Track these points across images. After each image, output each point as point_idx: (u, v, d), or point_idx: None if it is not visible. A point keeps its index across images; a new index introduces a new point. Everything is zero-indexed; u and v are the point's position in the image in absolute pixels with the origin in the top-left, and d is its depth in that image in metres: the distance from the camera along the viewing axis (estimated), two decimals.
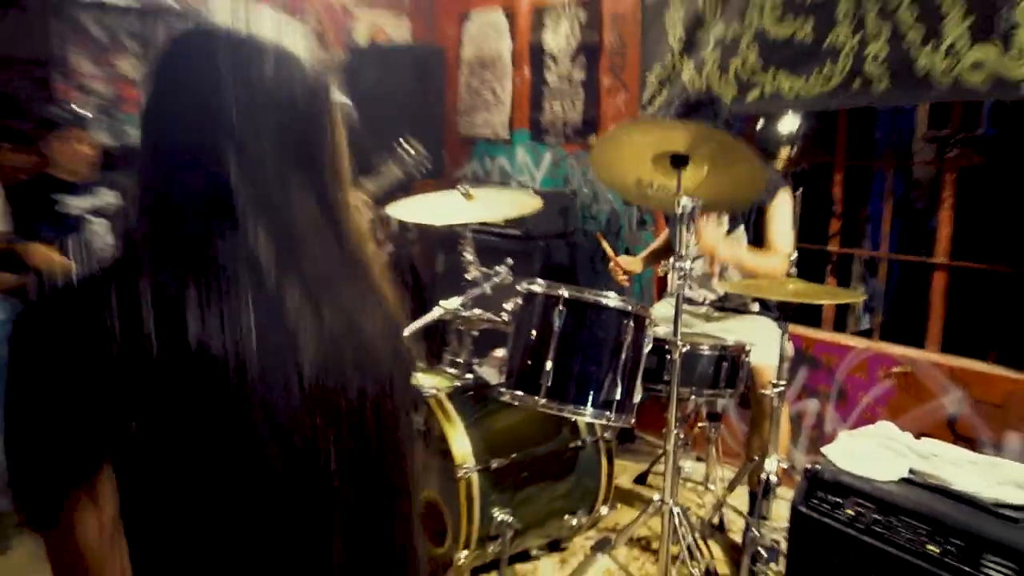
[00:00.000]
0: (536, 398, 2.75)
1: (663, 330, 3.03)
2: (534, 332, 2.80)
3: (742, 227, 3.47)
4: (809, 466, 2.30)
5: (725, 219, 3.49)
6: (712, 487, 3.80)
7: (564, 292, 2.75)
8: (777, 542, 2.93)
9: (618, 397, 2.76)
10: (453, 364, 3.29)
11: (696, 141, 2.68)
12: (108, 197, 4.08)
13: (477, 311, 3.25)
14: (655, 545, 3.39)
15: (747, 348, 3.08)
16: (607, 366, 2.75)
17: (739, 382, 3.07)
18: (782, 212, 3.30)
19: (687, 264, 2.72)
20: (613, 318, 2.75)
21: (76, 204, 3.99)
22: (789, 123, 4.63)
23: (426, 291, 5.23)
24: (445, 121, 5.48)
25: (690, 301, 3.53)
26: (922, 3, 3.19)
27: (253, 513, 0.97)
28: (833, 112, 3.92)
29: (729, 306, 3.55)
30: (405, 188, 3.66)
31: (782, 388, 2.87)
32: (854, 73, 3.44)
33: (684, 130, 2.76)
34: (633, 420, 2.87)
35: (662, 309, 3.54)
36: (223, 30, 1.01)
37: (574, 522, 3.21)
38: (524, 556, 3.31)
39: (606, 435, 3.26)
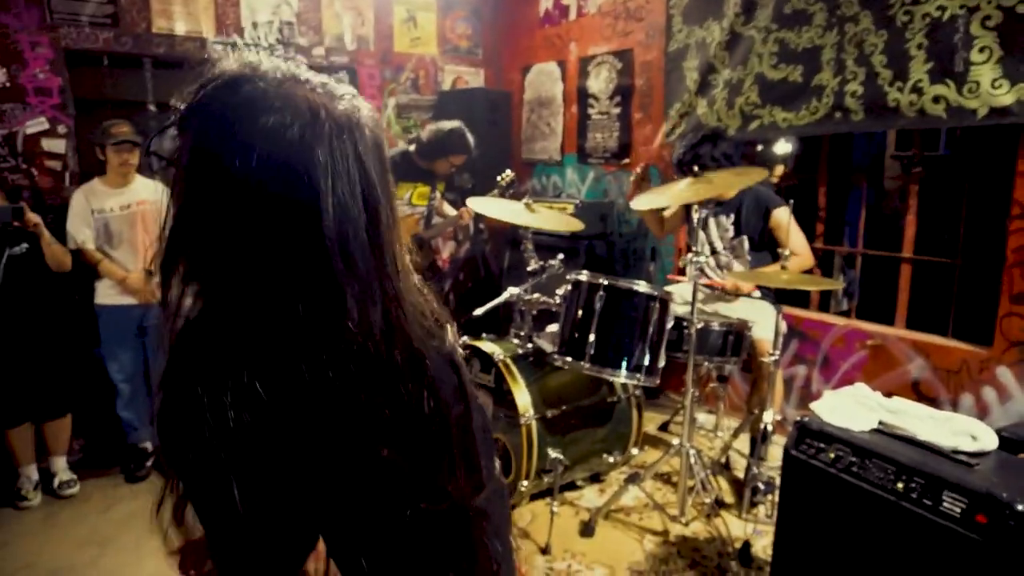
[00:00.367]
0: (582, 363, 2.74)
1: (682, 309, 2.98)
2: (580, 311, 2.79)
3: (744, 236, 3.40)
4: (799, 418, 2.24)
5: (731, 227, 3.42)
6: (720, 434, 3.74)
7: (603, 280, 2.73)
8: (772, 478, 2.88)
9: (646, 362, 2.74)
10: (517, 336, 3.29)
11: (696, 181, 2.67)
12: None
13: (536, 295, 3.24)
14: (675, 479, 3.35)
15: (749, 324, 3.02)
16: (637, 338, 2.73)
17: (743, 351, 3.01)
18: (786, 225, 3.23)
19: (702, 259, 2.68)
20: (643, 301, 2.72)
21: None
22: (782, 147, 4.53)
23: (495, 280, 5.24)
24: (512, 148, 5.47)
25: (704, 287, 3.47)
26: (891, 51, 3.07)
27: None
28: (818, 137, 3.80)
29: (742, 293, 3.48)
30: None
31: (777, 357, 2.81)
32: (836, 107, 3.32)
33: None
34: (658, 381, 2.84)
35: (681, 290, 3.48)
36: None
37: (611, 460, 3.19)
38: (571, 486, 3.30)
39: (636, 392, 3.23)
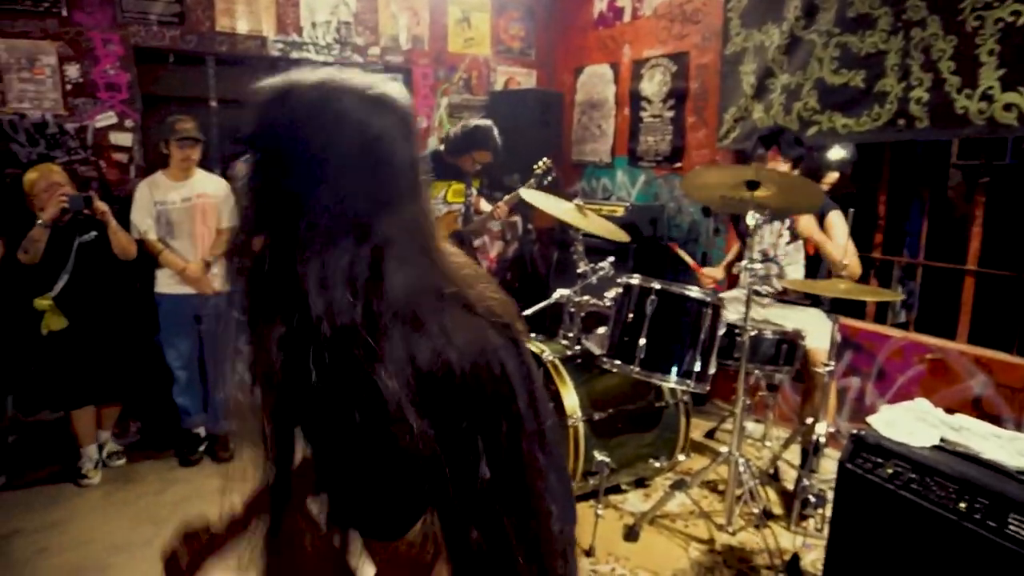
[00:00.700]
0: (631, 367, 2.72)
1: (734, 316, 2.94)
2: (631, 315, 2.77)
3: (800, 242, 3.33)
4: (855, 431, 2.19)
5: (787, 232, 3.36)
6: (768, 444, 3.68)
7: (656, 284, 2.71)
8: (823, 491, 2.82)
9: (697, 369, 2.71)
10: (566, 338, 3.29)
11: (761, 175, 2.61)
12: None
13: (585, 297, 3.24)
14: (721, 487, 3.31)
15: (803, 334, 2.96)
16: (689, 344, 2.70)
17: (796, 361, 2.96)
18: (839, 229, 3.16)
19: (757, 266, 2.63)
20: (695, 306, 2.70)
21: None
22: (835, 153, 4.42)
23: (543, 280, 5.24)
24: (562, 149, 5.46)
25: (756, 293, 3.42)
26: (960, 57, 2.97)
27: None
28: (879, 144, 3.70)
29: (787, 299, 3.42)
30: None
31: (832, 367, 2.75)
32: (899, 113, 3.24)
33: (751, 168, 2.71)
34: (708, 387, 2.81)
35: (734, 298, 3.44)
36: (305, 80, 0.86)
37: (657, 465, 3.16)
38: (616, 489, 3.28)
39: (684, 398, 3.20)
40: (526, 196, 3.43)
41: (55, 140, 3.93)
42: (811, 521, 2.95)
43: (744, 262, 2.70)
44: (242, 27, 4.36)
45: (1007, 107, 2.83)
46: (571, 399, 2.88)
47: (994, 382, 3.08)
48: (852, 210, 2.74)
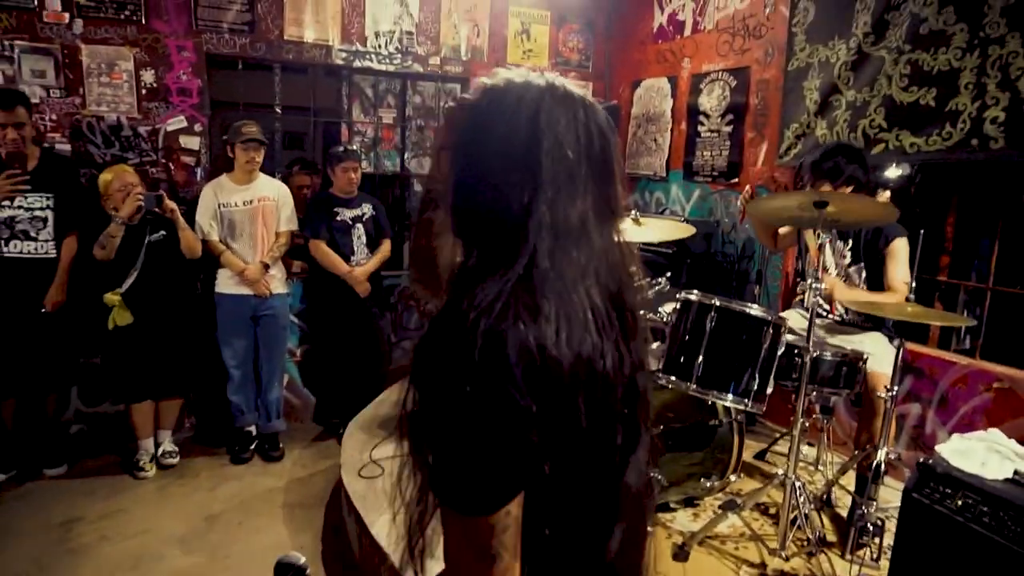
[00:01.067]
0: (688, 383, 2.68)
1: (792, 336, 2.88)
2: (689, 331, 2.74)
3: (862, 263, 3.25)
4: (921, 459, 2.12)
5: (848, 253, 3.28)
6: (822, 468, 3.57)
7: (716, 301, 2.67)
8: (882, 520, 2.73)
9: (755, 388, 2.65)
10: None
11: (828, 196, 2.56)
12: (367, 209, 4.32)
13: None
14: (772, 510, 3.23)
15: (864, 356, 2.88)
16: (748, 363, 2.65)
17: (856, 384, 2.88)
18: (900, 258, 3.07)
19: (823, 286, 2.57)
20: (756, 324, 2.64)
21: (346, 214, 4.25)
22: (891, 171, 4.32)
23: None
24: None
25: (816, 315, 3.34)
26: None
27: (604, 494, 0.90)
28: (948, 164, 3.58)
29: (848, 320, 3.33)
30: None
31: (895, 392, 2.67)
32: (973, 133, 3.13)
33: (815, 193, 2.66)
34: (764, 408, 2.75)
35: (792, 318, 3.36)
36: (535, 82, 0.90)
37: (708, 484, 3.10)
38: (665, 507, 3.23)
39: (739, 418, 3.14)
40: None
41: (128, 142, 4.08)
42: (867, 550, 2.85)
43: (809, 281, 2.65)
44: (309, 36, 4.47)
45: None
46: None
47: None
48: (922, 231, 2.66)
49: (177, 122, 4.19)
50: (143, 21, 4.02)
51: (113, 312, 3.60)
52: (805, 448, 3.80)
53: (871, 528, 2.71)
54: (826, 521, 3.15)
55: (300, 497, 3.68)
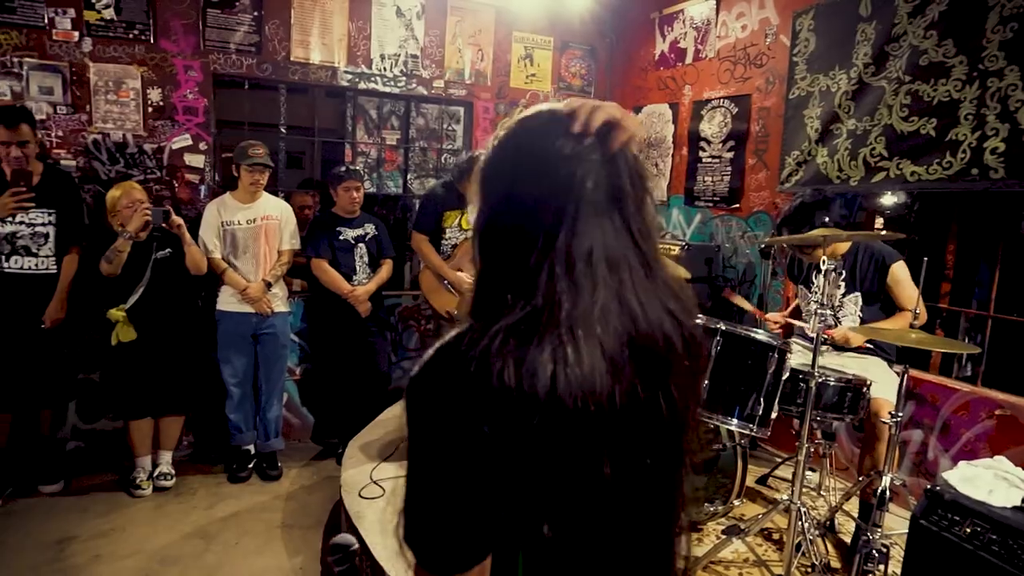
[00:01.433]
0: None
1: (796, 361, 2.88)
2: None
3: (857, 293, 3.27)
4: (929, 486, 2.11)
5: (843, 284, 3.30)
6: (824, 494, 3.56)
7: (721, 326, 2.67)
8: (886, 547, 2.71)
9: (760, 413, 2.65)
10: None
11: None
12: (369, 229, 4.33)
13: None
14: (775, 536, 3.21)
15: (868, 382, 2.89)
16: (753, 388, 2.65)
17: (860, 409, 2.88)
18: (905, 281, 3.13)
19: (828, 312, 2.58)
20: (761, 349, 2.64)
21: (349, 233, 4.25)
22: (887, 199, 4.37)
23: None
24: None
25: (809, 339, 3.37)
26: None
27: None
28: (948, 193, 3.62)
29: (847, 347, 3.34)
30: None
31: (900, 418, 2.67)
32: (972, 163, 3.17)
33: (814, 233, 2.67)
34: (769, 432, 2.74)
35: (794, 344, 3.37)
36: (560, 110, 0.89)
37: (711, 509, 3.08)
38: None
39: (743, 442, 3.13)
40: None
41: (133, 159, 4.09)
42: None
43: (813, 306, 2.66)
44: (315, 58, 4.50)
45: None
46: None
47: None
48: (925, 259, 2.67)
49: (182, 140, 4.20)
50: (151, 41, 4.05)
51: (116, 328, 3.58)
52: (808, 474, 3.78)
53: (876, 555, 2.69)
54: (830, 547, 3.13)
55: (298, 517, 3.64)
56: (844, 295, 3.31)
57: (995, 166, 3.08)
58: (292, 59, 4.44)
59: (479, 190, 0.89)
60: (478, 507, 0.75)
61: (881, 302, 3.29)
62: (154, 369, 3.71)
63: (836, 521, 3.31)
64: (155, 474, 3.85)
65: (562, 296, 0.78)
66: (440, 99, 5.09)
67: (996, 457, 2.13)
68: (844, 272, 3.31)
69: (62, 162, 3.90)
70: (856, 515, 3.13)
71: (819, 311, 2.56)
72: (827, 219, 3.14)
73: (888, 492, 2.71)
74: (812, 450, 3.66)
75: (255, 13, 4.30)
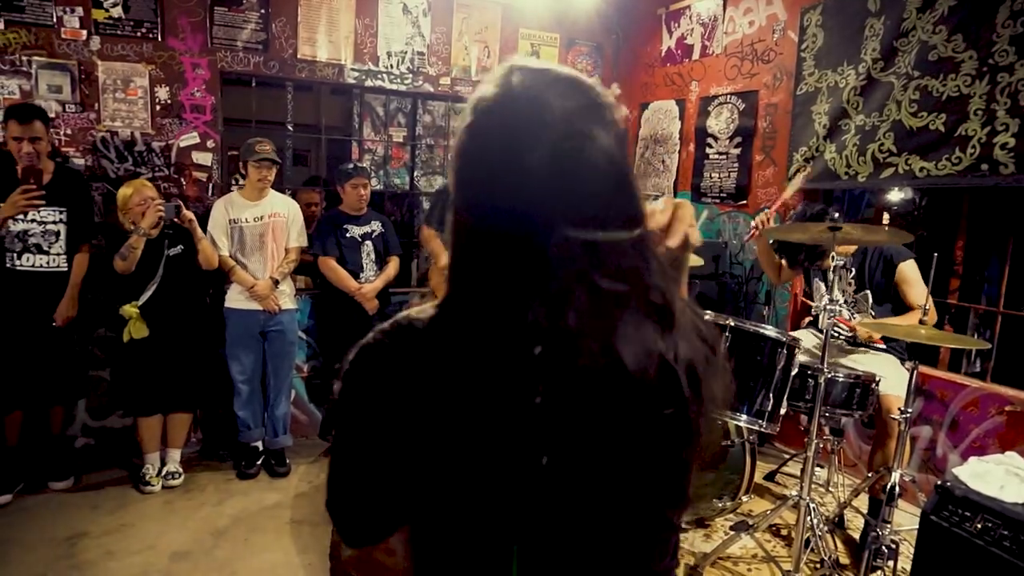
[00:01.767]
0: None
1: (805, 357, 2.88)
2: None
3: (868, 291, 3.27)
4: (939, 482, 2.11)
5: (853, 281, 3.30)
6: (832, 490, 3.56)
7: (730, 322, 2.67)
8: (896, 543, 2.71)
9: (769, 409, 2.65)
10: None
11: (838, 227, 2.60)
12: (376, 226, 4.33)
13: None
14: (784, 532, 3.21)
15: (877, 378, 2.89)
16: (762, 383, 2.65)
17: (869, 405, 2.87)
18: (915, 279, 3.13)
19: (837, 308, 2.58)
20: (770, 345, 2.64)
21: (356, 230, 4.25)
22: (893, 195, 4.36)
23: None
24: None
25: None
26: None
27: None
28: (957, 189, 3.61)
29: (859, 342, 3.33)
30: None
31: (909, 414, 2.67)
32: (982, 158, 3.16)
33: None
34: (778, 428, 2.75)
35: (805, 337, 3.37)
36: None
37: (719, 505, 3.09)
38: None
39: (751, 438, 3.13)
40: None
41: (142, 157, 4.10)
42: (880, 573, 2.83)
43: (824, 302, 2.65)
44: (322, 55, 4.51)
45: None
46: None
47: None
48: (936, 255, 2.67)
49: (190, 138, 4.21)
50: (159, 39, 4.06)
51: (129, 325, 3.59)
52: (816, 470, 3.78)
53: (885, 551, 2.69)
54: (839, 543, 3.13)
55: (306, 513, 3.65)
56: (857, 292, 3.30)
57: (1005, 161, 3.06)
58: (299, 57, 4.45)
59: (456, 160, 0.85)
60: (391, 477, 0.79)
61: (892, 302, 3.28)
62: (164, 366, 3.72)
63: (845, 517, 3.31)
64: (163, 472, 3.87)
65: (490, 274, 0.77)
66: (447, 96, 5.09)
67: (1007, 453, 2.13)
68: (854, 270, 3.30)
69: (71, 160, 3.91)
70: (865, 511, 3.13)
71: (829, 307, 2.56)
72: (836, 215, 3.14)
73: (898, 488, 2.71)
74: (821, 446, 3.66)
75: (262, 11, 4.30)
